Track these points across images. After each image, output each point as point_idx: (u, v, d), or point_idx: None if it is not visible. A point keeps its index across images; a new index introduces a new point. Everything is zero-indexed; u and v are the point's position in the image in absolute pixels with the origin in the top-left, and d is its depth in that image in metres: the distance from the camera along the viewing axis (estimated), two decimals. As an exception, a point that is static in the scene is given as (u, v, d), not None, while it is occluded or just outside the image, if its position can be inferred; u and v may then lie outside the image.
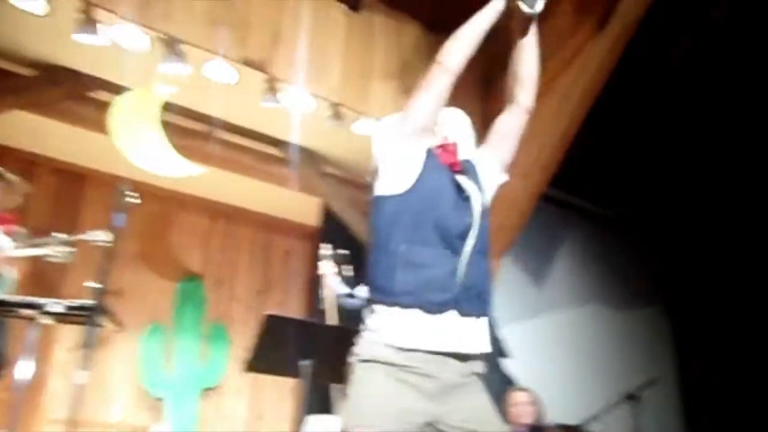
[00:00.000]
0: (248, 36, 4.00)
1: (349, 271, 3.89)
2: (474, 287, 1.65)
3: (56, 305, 2.60)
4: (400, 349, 1.58)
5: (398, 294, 1.60)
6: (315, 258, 4.69)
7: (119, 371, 5.11)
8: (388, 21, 4.76)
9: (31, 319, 2.66)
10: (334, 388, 3.74)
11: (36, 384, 4.67)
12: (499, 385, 4.24)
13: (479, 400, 1.66)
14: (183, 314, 5.48)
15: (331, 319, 3.88)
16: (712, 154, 5.66)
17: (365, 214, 5.34)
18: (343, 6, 4.56)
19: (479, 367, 1.69)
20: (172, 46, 3.73)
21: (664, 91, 5.01)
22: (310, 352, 2.71)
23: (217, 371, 5.47)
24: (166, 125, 4.18)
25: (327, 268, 3.93)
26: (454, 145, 1.87)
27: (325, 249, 3.96)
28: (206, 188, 5.53)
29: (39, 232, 2.96)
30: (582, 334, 5.81)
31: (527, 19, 1.81)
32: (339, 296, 4.00)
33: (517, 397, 3.83)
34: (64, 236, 2.77)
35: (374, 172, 1.80)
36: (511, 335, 4.84)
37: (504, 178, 1.93)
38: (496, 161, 1.91)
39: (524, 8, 1.76)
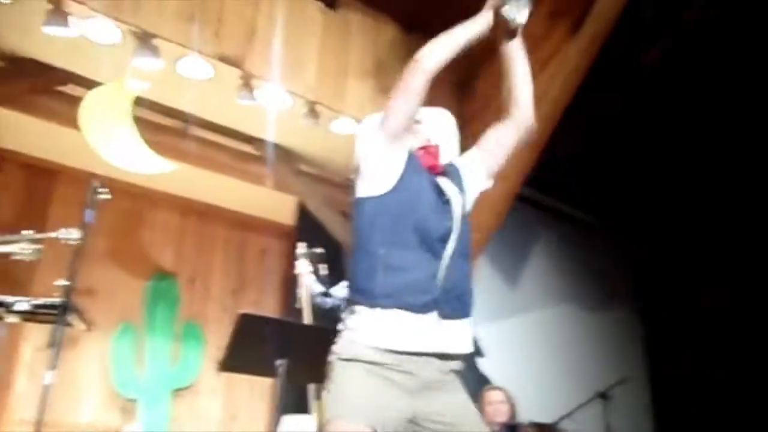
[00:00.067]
0: (223, 31, 3.95)
1: (324, 270, 3.88)
2: (454, 290, 1.66)
3: (23, 303, 2.54)
4: (382, 349, 1.59)
5: (379, 296, 1.61)
6: (291, 257, 4.66)
7: (89, 371, 5.01)
8: (365, 20, 4.75)
9: (-3, 317, 2.59)
10: (310, 387, 3.72)
11: (2, 384, 4.58)
12: (474, 384, 4.26)
13: (459, 397, 1.68)
14: (155, 313, 5.39)
15: (307, 318, 3.86)
16: (684, 159, 5.76)
17: (341, 212, 5.32)
18: (319, 3, 4.53)
19: (458, 365, 1.70)
20: (144, 40, 3.66)
21: (638, 94, 5.09)
22: (285, 351, 2.68)
23: (190, 371, 5.40)
24: (139, 121, 4.11)
25: (303, 267, 3.91)
26: (436, 147, 1.87)
27: (301, 248, 3.94)
28: (179, 185, 5.46)
29: (6, 229, 2.88)
30: (556, 334, 5.87)
31: (512, 31, 1.80)
32: (315, 295, 3.98)
33: (492, 396, 3.85)
34: (32, 233, 2.70)
35: (356, 173, 1.79)
36: (486, 335, 4.87)
37: (488, 184, 1.93)
38: (483, 167, 1.91)
39: (509, 16, 1.77)
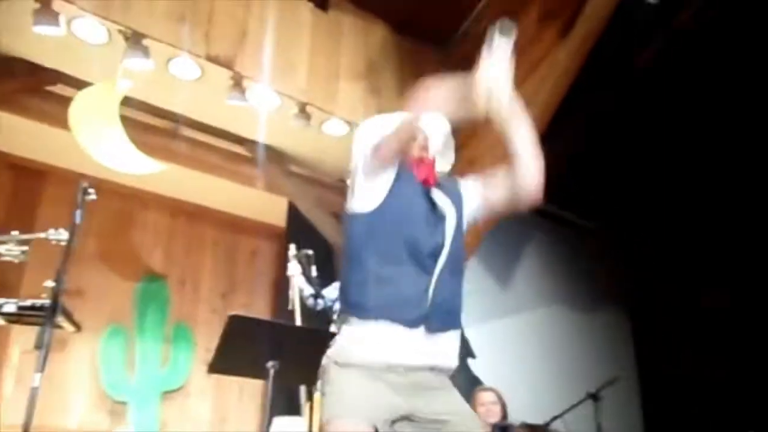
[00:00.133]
0: (213, 32, 3.94)
1: (315, 271, 3.87)
2: (443, 305, 1.68)
3: (10, 305, 2.51)
4: (373, 361, 1.61)
5: (370, 309, 1.63)
6: (282, 258, 4.66)
7: (78, 374, 4.97)
8: (356, 21, 4.75)
9: (-16, 320, 2.56)
10: (300, 389, 3.71)
11: (-11, 387, 4.54)
12: (466, 384, 4.27)
13: (456, 396, 1.71)
14: (145, 315, 5.36)
15: (298, 319, 3.85)
16: (674, 161, 5.79)
17: (332, 214, 5.32)
18: (310, 5, 4.53)
19: (450, 371, 1.73)
20: (134, 40, 3.64)
21: (630, 95, 5.11)
22: (276, 353, 2.67)
23: (180, 373, 5.37)
24: (129, 121, 4.08)
25: (294, 269, 3.91)
26: (432, 160, 1.85)
27: (292, 249, 3.93)
28: (170, 186, 5.43)
29: (-6, 230, 2.86)
30: (547, 335, 5.88)
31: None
32: (306, 297, 3.97)
33: (483, 397, 3.86)
34: (19, 234, 2.68)
35: (349, 187, 1.80)
36: (478, 335, 4.87)
37: (479, 214, 1.88)
38: (478, 198, 1.87)
39: (499, 36, 1.68)
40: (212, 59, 3.90)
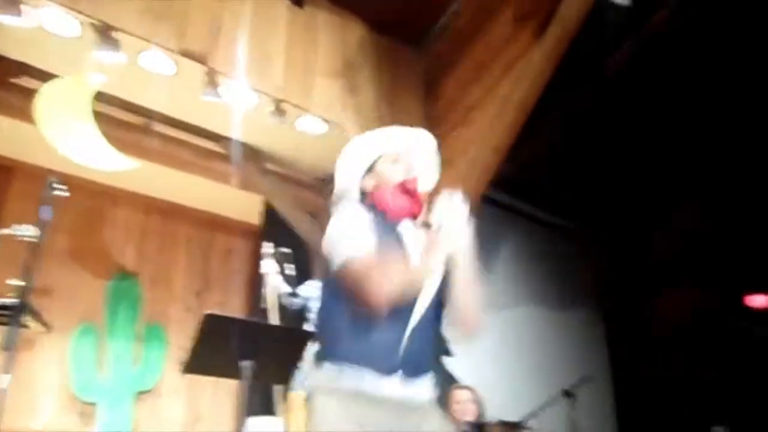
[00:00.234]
0: (187, 26, 3.86)
1: (291, 269, 3.84)
2: (417, 353, 1.68)
3: (-25, 304, 2.44)
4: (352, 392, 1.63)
5: (343, 357, 1.64)
6: (257, 257, 4.61)
7: (47, 375, 4.86)
8: (332, 18, 4.72)
9: (-53, 319, 2.48)
10: (276, 389, 3.68)
11: (-47, 389, 4.41)
12: (442, 383, 4.27)
13: (433, 415, 1.73)
14: (116, 314, 5.26)
15: (274, 318, 3.82)
16: (649, 162, 5.88)
17: (308, 212, 5.29)
18: (286, 1, 4.48)
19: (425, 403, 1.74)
20: (104, 33, 3.56)
21: (604, 97, 5.16)
22: (251, 352, 2.64)
23: (152, 373, 5.29)
24: (100, 116, 4.00)
25: (269, 267, 3.87)
26: (421, 194, 1.82)
27: (267, 247, 3.89)
28: (142, 183, 5.34)
29: (-43, 227, 2.77)
30: (522, 334, 5.92)
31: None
32: (281, 295, 3.94)
33: (460, 395, 3.87)
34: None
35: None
36: (454, 335, 4.87)
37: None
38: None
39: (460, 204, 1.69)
40: (186, 54, 3.83)
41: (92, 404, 4.96)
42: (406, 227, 1.79)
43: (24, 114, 3.85)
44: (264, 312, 3.80)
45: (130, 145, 4.33)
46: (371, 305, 1.57)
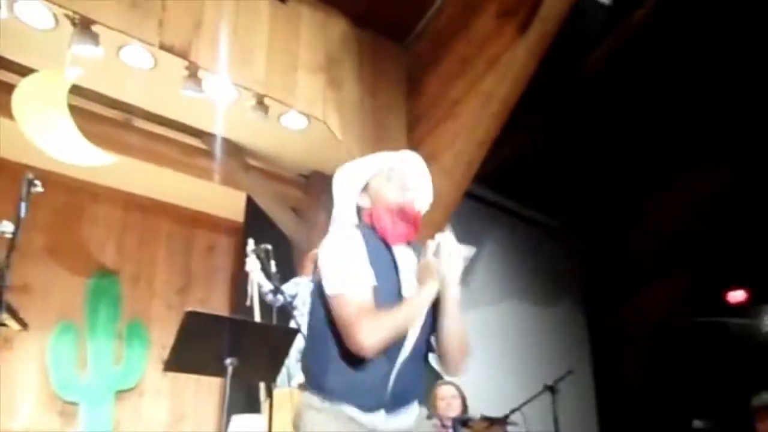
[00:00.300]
0: (168, 20, 3.80)
1: (274, 266, 3.81)
2: (404, 390, 1.68)
3: (-51, 303, 2.38)
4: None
5: (329, 392, 1.62)
6: (240, 253, 4.58)
7: (26, 374, 4.78)
8: (315, 13, 4.68)
9: None
10: (260, 386, 3.65)
11: (-71, 390, 4.32)
12: (427, 379, 4.28)
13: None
14: (96, 312, 5.20)
15: (257, 315, 3.79)
16: (632, 159, 5.93)
17: (291, 208, 5.25)
18: (268, -6, 4.44)
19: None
20: (82, 26, 3.49)
21: (587, 93, 5.19)
22: (234, 349, 2.62)
23: (134, 372, 5.23)
24: (79, 111, 3.93)
25: (252, 264, 3.84)
26: (416, 216, 1.81)
27: (250, 244, 3.86)
28: (122, 179, 5.28)
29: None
30: (505, 329, 5.94)
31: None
32: (265, 293, 3.91)
33: (444, 391, 3.87)
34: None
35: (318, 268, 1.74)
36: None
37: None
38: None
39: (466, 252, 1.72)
40: (166, 48, 3.77)
41: (73, 403, 4.90)
42: (401, 252, 1.78)
43: (1, 109, 3.78)
44: (248, 309, 3.77)
45: (109, 141, 4.27)
46: (360, 348, 1.56)
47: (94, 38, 3.53)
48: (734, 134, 5.52)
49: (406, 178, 1.84)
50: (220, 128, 4.54)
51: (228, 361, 2.61)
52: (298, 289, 4.13)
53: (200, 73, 3.94)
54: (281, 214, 5.17)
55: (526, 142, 5.54)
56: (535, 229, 6.73)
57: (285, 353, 2.93)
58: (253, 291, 3.82)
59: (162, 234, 5.76)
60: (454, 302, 1.72)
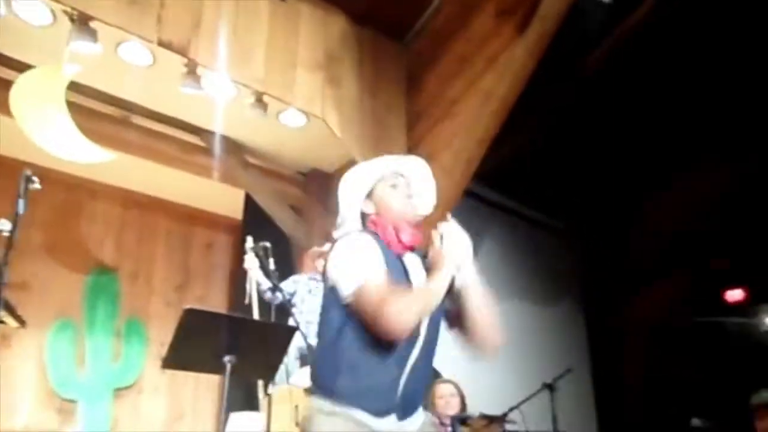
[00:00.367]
0: (167, 16, 3.79)
1: (273, 264, 3.80)
2: (413, 394, 1.69)
3: (-53, 300, 2.37)
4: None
5: (339, 396, 1.62)
6: (238, 251, 4.56)
7: (24, 371, 4.77)
8: (314, 11, 4.67)
9: None
10: (258, 384, 3.65)
11: (-73, 387, 4.32)
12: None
13: None
14: (95, 309, 5.19)
15: (255, 313, 3.79)
16: (631, 159, 5.93)
17: (290, 206, 5.25)
18: (268, -9, 4.43)
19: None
20: (81, 22, 3.48)
21: (586, 93, 5.18)
22: (233, 347, 2.62)
23: (132, 369, 5.23)
24: (77, 108, 3.92)
25: (250, 262, 3.83)
26: (420, 224, 1.82)
27: (249, 242, 3.85)
28: (121, 176, 5.27)
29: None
30: (504, 327, 5.94)
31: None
32: (263, 290, 3.90)
33: (443, 389, 3.87)
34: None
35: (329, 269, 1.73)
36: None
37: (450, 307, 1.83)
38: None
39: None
40: (165, 45, 3.76)
41: (71, 401, 4.90)
42: (409, 259, 1.79)
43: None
44: (247, 307, 3.76)
45: (107, 138, 4.26)
46: (390, 331, 1.55)
47: (93, 35, 3.52)
48: (734, 134, 5.52)
49: (410, 184, 1.86)
50: (218, 125, 4.53)
51: (226, 358, 2.60)
52: (297, 287, 4.12)
53: (199, 70, 3.93)
54: (280, 212, 5.16)
55: (526, 142, 5.54)
56: (535, 228, 6.73)
57: (283, 351, 2.92)
58: (251, 289, 3.82)
59: (160, 231, 5.75)
60: (474, 282, 1.75)
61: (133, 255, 5.56)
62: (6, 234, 2.37)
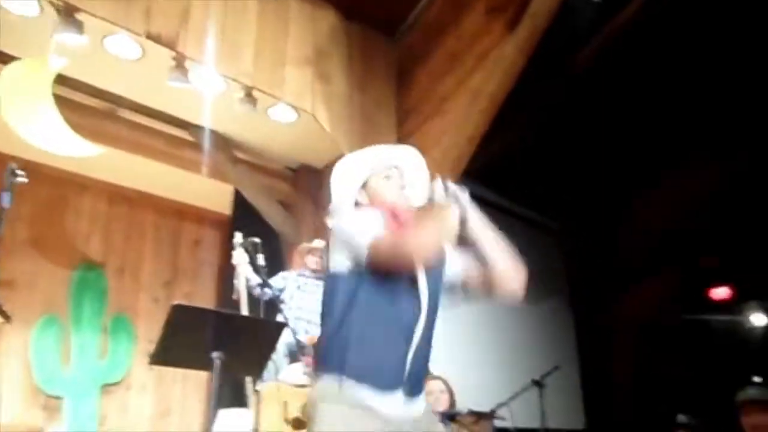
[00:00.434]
0: (154, 9, 3.74)
1: (262, 260, 3.78)
2: (418, 373, 1.71)
3: (-70, 296, 2.34)
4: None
5: (347, 372, 1.62)
6: (227, 247, 4.54)
7: (8, 368, 4.71)
8: (303, 5, 4.64)
9: None
10: (247, 380, 3.63)
11: None
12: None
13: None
14: (81, 305, 5.13)
15: (244, 309, 3.76)
16: (620, 158, 5.95)
17: (278, 202, 5.22)
18: (257, -14, 4.39)
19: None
20: (67, 13, 3.43)
21: (576, 90, 5.19)
22: (221, 343, 2.59)
23: (119, 366, 5.18)
24: (64, 101, 3.87)
25: (239, 257, 3.81)
26: (405, 215, 1.83)
27: (238, 237, 3.83)
28: (108, 170, 5.21)
29: None
30: (493, 325, 5.96)
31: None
32: (252, 286, 3.88)
33: (432, 386, 3.86)
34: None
35: (328, 248, 1.78)
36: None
37: (458, 282, 1.87)
38: (458, 267, 1.87)
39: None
40: (153, 38, 3.71)
41: (57, 398, 4.84)
42: None
43: (-18, 97, 3.71)
44: (235, 303, 3.74)
45: (94, 132, 4.21)
46: (418, 255, 1.61)
47: (79, 26, 3.47)
48: (723, 132, 5.55)
49: (404, 175, 1.89)
50: (207, 120, 4.49)
51: (215, 354, 2.58)
52: (286, 283, 4.10)
53: (187, 64, 3.89)
54: (269, 208, 5.13)
55: (515, 139, 5.55)
56: (524, 225, 6.74)
57: (272, 347, 2.91)
58: (240, 284, 3.79)
59: (148, 227, 5.71)
60: (479, 223, 1.80)
61: (120, 250, 5.51)
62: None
